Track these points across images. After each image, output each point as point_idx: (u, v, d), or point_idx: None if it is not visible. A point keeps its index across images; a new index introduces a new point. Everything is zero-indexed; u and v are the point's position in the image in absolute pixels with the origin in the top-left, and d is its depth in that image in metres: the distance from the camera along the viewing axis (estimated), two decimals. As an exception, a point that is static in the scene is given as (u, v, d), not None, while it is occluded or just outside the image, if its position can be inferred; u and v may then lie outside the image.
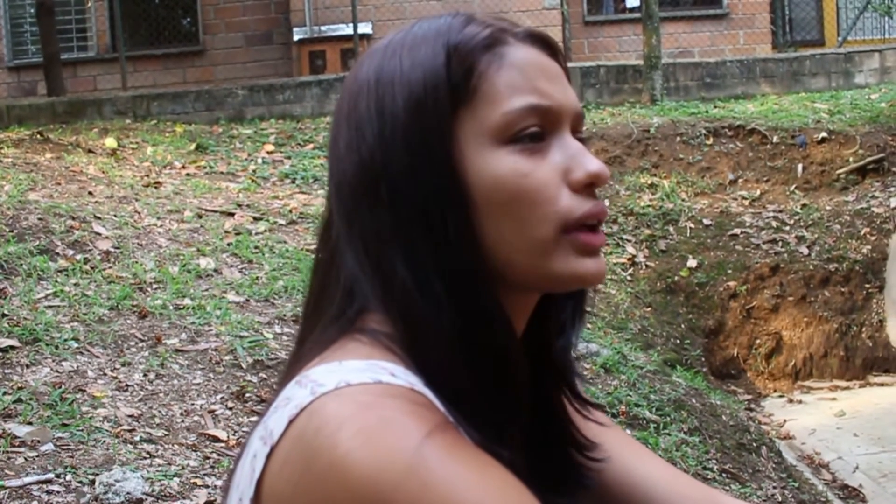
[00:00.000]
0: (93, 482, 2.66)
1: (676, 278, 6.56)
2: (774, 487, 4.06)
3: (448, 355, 0.74)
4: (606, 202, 6.93)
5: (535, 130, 0.77)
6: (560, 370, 0.88)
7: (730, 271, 6.62)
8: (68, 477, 2.67)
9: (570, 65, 0.92)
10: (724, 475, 3.94)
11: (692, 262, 6.67)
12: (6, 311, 3.76)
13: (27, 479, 2.62)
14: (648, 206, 7.10)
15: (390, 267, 0.76)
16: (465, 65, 0.78)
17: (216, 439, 3.11)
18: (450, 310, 0.75)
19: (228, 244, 5.05)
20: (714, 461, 4.01)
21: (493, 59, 0.78)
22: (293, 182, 6.89)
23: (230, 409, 3.34)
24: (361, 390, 0.69)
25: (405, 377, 0.72)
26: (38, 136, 7.55)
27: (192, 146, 7.62)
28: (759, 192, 7.41)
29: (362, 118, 0.79)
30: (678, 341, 6.09)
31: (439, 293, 0.75)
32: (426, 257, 0.76)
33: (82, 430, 2.97)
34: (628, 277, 6.44)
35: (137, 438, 3.01)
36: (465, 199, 0.76)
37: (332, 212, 0.83)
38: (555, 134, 0.79)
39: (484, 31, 0.79)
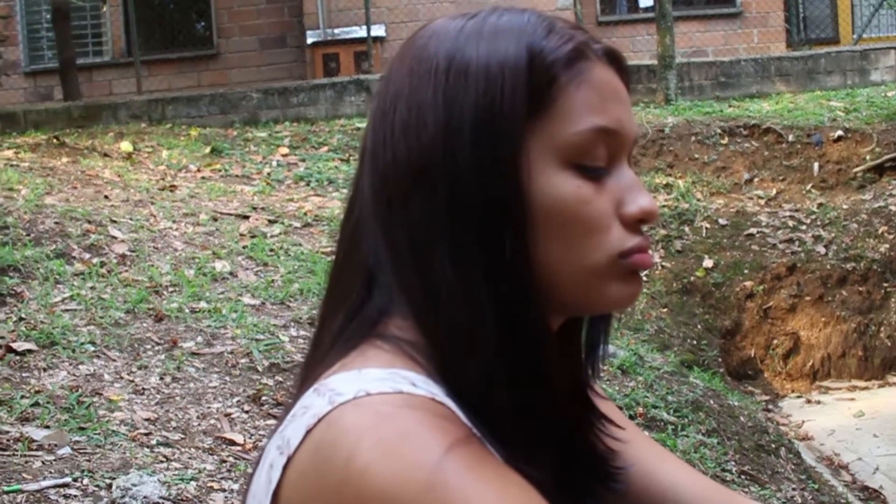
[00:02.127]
0: (110, 486, 2.66)
1: (692, 279, 6.53)
2: (794, 489, 4.03)
3: (489, 368, 0.72)
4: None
5: (602, 165, 0.75)
6: (579, 386, 0.86)
7: (746, 271, 6.58)
8: (85, 481, 2.68)
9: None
10: (742, 477, 3.92)
11: (708, 263, 6.64)
12: (23, 315, 3.78)
13: (45, 483, 2.62)
14: (664, 206, 7.07)
15: (438, 268, 0.72)
16: (548, 74, 0.74)
17: (232, 443, 3.11)
18: (495, 323, 0.72)
19: (244, 247, 5.06)
20: (733, 463, 3.99)
21: (574, 74, 0.75)
22: (308, 185, 6.91)
23: (246, 412, 3.34)
24: (381, 400, 0.67)
25: (426, 387, 0.70)
26: (55, 140, 7.59)
27: (207, 149, 7.64)
28: (774, 192, 7.37)
29: (425, 102, 0.74)
30: (695, 342, 6.06)
31: (486, 304, 0.72)
32: (477, 264, 0.72)
33: (99, 434, 2.98)
34: (644, 278, 6.40)
35: (154, 442, 3.01)
36: (525, 213, 0.73)
37: (358, 186, 0.79)
38: (616, 162, 0.77)
39: (568, 44, 0.76)
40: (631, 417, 3.97)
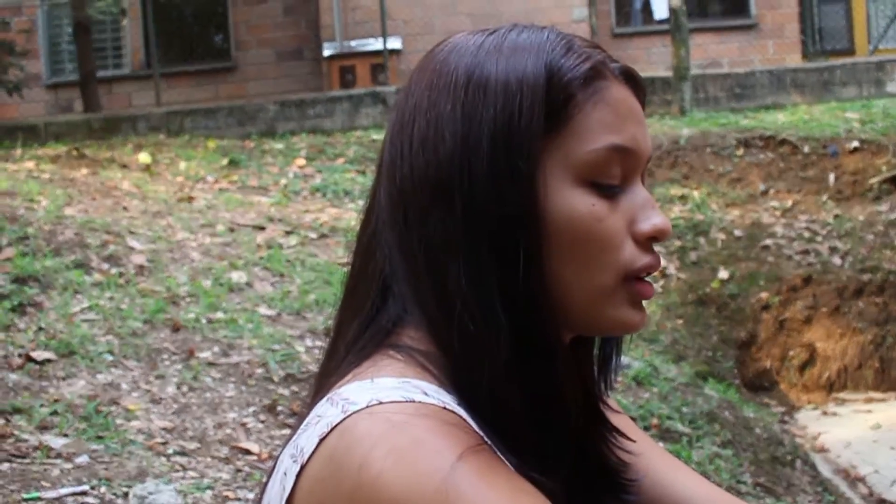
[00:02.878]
0: (126, 494, 2.69)
1: (708, 290, 6.51)
2: (810, 501, 4.02)
3: (502, 381, 0.73)
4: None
5: (616, 183, 0.76)
6: (592, 400, 0.86)
7: (762, 283, 6.57)
8: (102, 489, 2.71)
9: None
10: (758, 489, 3.91)
11: (723, 274, 6.62)
12: (43, 325, 3.82)
13: (63, 491, 2.65)
14: (679, 217, 7.07)
15: (453, 281, 0.73)
16: (566, 92, 0.75)
17: (248, 452, 3.13)
18: (509, 336, 0.73)
19: (260, 258, 5.09)
20: (748, 474, 3.98)
21: (591, 93, 0.76)
22: (324, 196, 6.94)
23: (262, 421, 3.37)
24: (393, 409, 0.68)
25: (438, 396, 0.71)
26: (75, 152, 7.66)
27: (225, 161, 7.70)
28: (790, 203, 7.35)
29: (444, 116, 0.75)
30: (710, 353, 6.05)
31: (500, 317, 0.73)
32: (492, 279, 0.73)
33: (116, 443, 3.01)
34: (659, 289, 6.41)
35: (171, 451, 3.04)
36: (540, 229, 0.74)
37: (375, 197, 0.80)
38: (630, 180, 0.78)
39: (586, 63, 0.77)
40: (646, 429, 3.97)
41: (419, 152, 0.76)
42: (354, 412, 0.68)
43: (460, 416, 0.70)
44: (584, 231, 0.74)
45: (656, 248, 0.79)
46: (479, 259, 0.73)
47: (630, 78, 0.80)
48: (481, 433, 0.71)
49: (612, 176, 0.76)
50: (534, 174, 0.74)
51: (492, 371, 0.72)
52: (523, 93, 0.74)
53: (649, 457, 0.93)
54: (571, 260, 0.75)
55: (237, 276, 4.72)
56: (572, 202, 0.75)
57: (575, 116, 0.75)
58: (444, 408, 0.70)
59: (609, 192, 0.76)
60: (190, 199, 6.34)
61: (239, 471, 2.99)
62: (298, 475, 0.69)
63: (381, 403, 0.68)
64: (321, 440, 0.69)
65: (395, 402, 0.68)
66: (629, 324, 0.78)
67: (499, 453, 0.70)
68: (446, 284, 0.74)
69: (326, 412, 0.70)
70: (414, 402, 0.69)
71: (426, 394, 0.70)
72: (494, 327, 0.72)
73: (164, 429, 3.18)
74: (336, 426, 0.68)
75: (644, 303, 0.80)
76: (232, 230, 5.61)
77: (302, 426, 0.73)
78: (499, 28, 0.80)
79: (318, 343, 4.02)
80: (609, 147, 0.75)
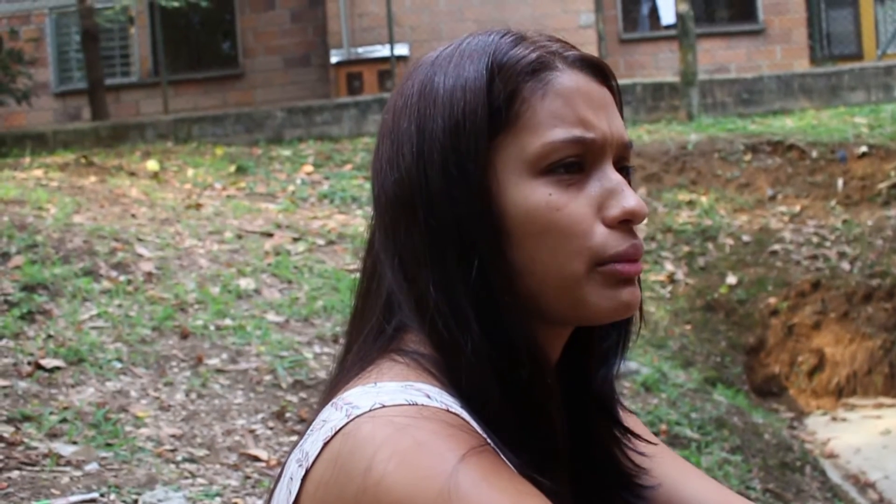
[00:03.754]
0: (136, 502, 2.69)
1: (716, 295, 6.50)
2: (819, 507, 4.01)
3: (480, 381, 0.74)
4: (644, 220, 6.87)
5: (573, 161, 0.76)
6: (601, 399, 0.87)
7: (770, 288, 6.55)
8: (112, 496, 2.71)
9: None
10: (767, 494, 3.90)
11: (732, 279, 6.61)
12: (52, 332, 3.83)
13: (73, 499, 2.66)
14: (687, 222, 7.06)
15: (424, 288, 0.75)
16: (508, 89, 0.76)
17: (257, 459, 3.14)
18: (480, 336, 0.74)
19: (268, 264, 5.10)
20: (757, 480, 3.97)
21: (538, 85, 0.76)
22: (332, 202, 6.95)
23: (270, 428, 3.37)
24: (396, 412, 0.69)
25: (440, 398, 0.72)
26: (83, 159, 7.69)
27: (232, 168, 7.72)
28: (798, 208, 7.34)
29: (402, 134, 0.78)
30: (718, 359, 6.03)
31: (470, 319, 0.74)
32: (458, 282, 0.74)
33: (126, 450, 3.01)
34: (667, 295, 6.40)
35: (179, 458, 3.04)
36: (499, 228, 0.75)
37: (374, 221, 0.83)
38: (595, 166, 0.77)
39: (531, 55, 0.77)
40: (654, 434, 3.96)
41: (387, 171, 0.79)
42: (358, 416, 0.69)
43: (463, 419, 0.71)
44: (543, 222, 0.75)
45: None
46: (444, 265, 0.75)
47: (588, 64, 0.80)
48: (484, 434, 0.71)
49: (569, 165, 0.76)
50: (485, 175, 0.75)
51: (469, 372, 0.74)
52: (466, 98, 0.76)
53: (660, 460, 0.93)
54: (537, 253, 0.75)
55: (245, 283, 4.73)
56: (528, 196, 0.75)
57: (524, 111, 0.76)
58: (447, 410, 0.70)
59: (568, 180, 0.75)
60: (198, 206, 6.36)
61: (248, 478, 3.00)
62: (304, 479, 0.70)
63: (384, 407, 0.69)
64: (325, 444, 0.69)
65: (397, 406, 0.69)
66: (614, 307, 0.77)
67: (501, 454, 0.71)
68: (420, 292, 0.76)
69: (331, 416, 0.71)
70: (416, 405, 0.70)
71: (429, 396, 0.71)
72: (465, 329, 0.74)
73: (172, 436, 3.19)
74: (340, 430, 0.69)
75: (642, 300, 0.80)
76: (239, 237, 5.62)
77: (308, 431, 0.74)
78: (460, 38, 0.82)
79: (327, 349, 4.02)
80: (562, 140, 0.75)
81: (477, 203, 0.75)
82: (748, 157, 7.79)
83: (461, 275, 0.75)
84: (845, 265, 6.67)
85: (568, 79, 0.78)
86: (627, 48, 11.60)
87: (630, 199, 0.76)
